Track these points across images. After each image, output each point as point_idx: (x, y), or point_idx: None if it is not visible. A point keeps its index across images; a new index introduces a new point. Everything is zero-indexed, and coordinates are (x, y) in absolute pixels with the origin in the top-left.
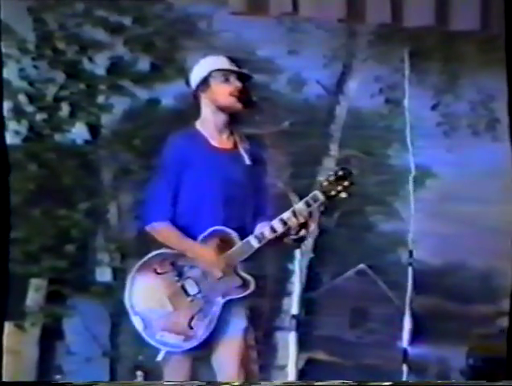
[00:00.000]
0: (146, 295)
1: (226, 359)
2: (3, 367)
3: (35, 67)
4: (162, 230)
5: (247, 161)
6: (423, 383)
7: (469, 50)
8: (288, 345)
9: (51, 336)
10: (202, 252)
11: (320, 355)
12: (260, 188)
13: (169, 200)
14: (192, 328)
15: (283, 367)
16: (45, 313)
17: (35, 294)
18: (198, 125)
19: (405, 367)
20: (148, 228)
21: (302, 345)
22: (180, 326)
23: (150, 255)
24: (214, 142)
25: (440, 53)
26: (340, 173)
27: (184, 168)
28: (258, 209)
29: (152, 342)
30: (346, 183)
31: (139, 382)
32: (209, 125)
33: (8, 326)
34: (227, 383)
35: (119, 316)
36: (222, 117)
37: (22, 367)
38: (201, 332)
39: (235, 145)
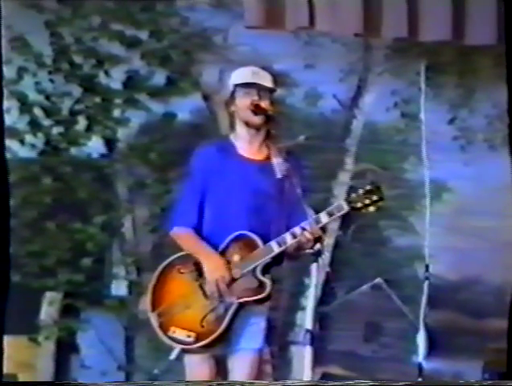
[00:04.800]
0: (164, 293)
1: (237, 370)
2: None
3: (52, 80)
4: (183, 235)
5: (278, 174)
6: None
7: (485, 64)
8: (303, 359)
9: (65, 350)
10: (211, 260)
11: (335, 370)
12: (293, 201)
13: (193, 207)
14: (203, 326)
15: None
16: (59, 327)
17: (48, 308)
18: (232, 136)
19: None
20: (171, 234)
21: (317, 359)
22: (192, 323)
23: (175, 256)
24: (244, 153)
25: (456, 67)
26: (369, 187)
27: (211, 176)
28: (290, 222)
29: (164, 339)
30: (375, 198)
31: (145, 382)
32: (240, 136)
33: (22, 340)
34: (235, 383)
35: (134, 330)
36: (249, 130)
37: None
38: (212, 331)
39: (268, 157)
